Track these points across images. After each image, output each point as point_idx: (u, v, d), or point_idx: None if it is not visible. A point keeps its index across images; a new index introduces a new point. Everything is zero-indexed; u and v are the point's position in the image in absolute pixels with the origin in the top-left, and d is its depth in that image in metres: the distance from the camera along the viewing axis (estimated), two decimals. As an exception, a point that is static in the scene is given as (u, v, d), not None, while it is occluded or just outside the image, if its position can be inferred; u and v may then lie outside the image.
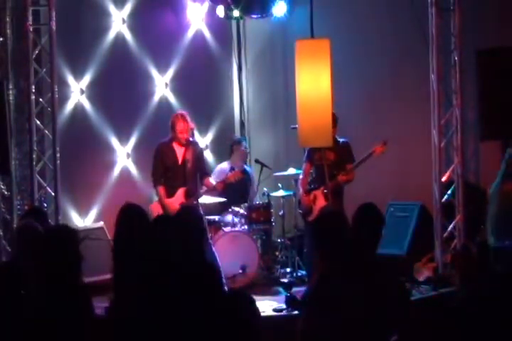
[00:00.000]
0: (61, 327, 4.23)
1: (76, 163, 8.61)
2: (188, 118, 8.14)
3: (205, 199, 8.44)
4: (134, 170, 9.33)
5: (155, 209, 7.98)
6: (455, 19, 8.19)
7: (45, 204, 8.21)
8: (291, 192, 8.92)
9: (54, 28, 8.01)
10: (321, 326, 4.55)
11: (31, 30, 8.04)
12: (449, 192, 8.23)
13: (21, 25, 8.07)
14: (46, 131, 8.14)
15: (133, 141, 9.33)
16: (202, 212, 7.49)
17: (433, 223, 8.28)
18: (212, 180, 8.30)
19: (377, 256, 4.87)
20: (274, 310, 7.16)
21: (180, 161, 8.15)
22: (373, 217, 4.90)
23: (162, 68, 9.70)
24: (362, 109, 9.59)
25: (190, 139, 8.19)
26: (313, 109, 7.21)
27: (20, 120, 8.22)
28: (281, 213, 8.89)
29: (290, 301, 7.05)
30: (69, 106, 8.78)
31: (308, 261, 8.21)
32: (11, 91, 8.12)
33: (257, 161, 9.32)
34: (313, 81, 7.19)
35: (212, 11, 10.03)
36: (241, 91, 10.56)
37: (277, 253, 9.06)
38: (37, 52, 8.13)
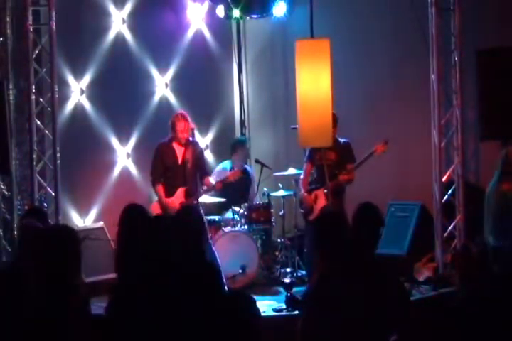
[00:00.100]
0: (61, 327, 4.23)
1: (76, 163, 8.61)
2: (188, 118, 8.15)
3: (205, 199, 8.44)
4: (134, 170, 9.33)
5: (155, 209, 7.99)
6: (455, 19, 8.20)
7: (45, 204, 8.21)
8: (291, 192, 8.92)
9: (54, 28, 8.01)
10: (321, 326, 4.55)
11: (31, 30, 8.04)
12: (449, 192, 8.24)
13: (21, 25, 8.07)
14: (46, 131, 8.14)
15: (133, 141, 9.32)
16: (202, 212, 7.49)
17: (433, 223, 8.29)
18: (212, 180, 8.30)
19: (376, 256, 4.87)
20: (274, 310, 7.17)
21: (180, 161, 8.15)
22: (371, 217, 4.90)
23: (162, 68, 9.69)
24: (362, 109, 9.59)
25: (190, 139, 8.20)
26: (314, 109, 7.20)
27: (20, 120, 8.22)
28: (281, 213, 8.89)
29: (290, 301, 7.05)
30: (69, 106, 8.78)
31: (309, 261, 8.21)
32: (11, 91, 8.12)
33: (257, 161, 9.32)
34: (313, 81, 7.18)
35: (212, 11, 10.04)
36: (241, 91, 10.56)
37: (277, 253, 9.05)
38: (37, 52, 8.13)
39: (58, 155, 8.04)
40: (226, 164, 9.22)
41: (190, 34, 10.10)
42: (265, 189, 8.95)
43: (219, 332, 4.09)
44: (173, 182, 8.13)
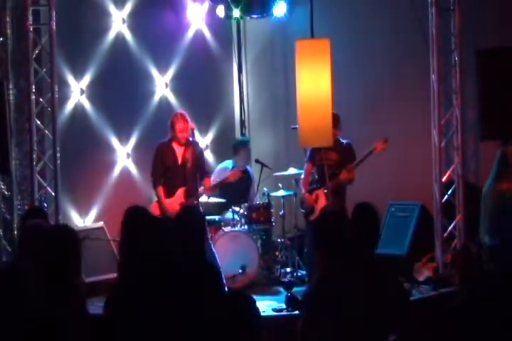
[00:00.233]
0: (61, 327, 4.23)
1: (76, 163, 8.61)
2: (188, 118, 8.14)
3: (205, 199, 8.43)
4: (134, 170, 9.33)
5: (154, 210, 7.98)
6: (455, 19, 8.20)
7: (45, 204, 8.21)
8: (291, 192, 8.92)
9: (54, 28, 8.01)
10: (321, 325, 4.55)
11: (31, 30, 8.04)
12: (449, 192, 8.24)
13: (21, 25, 8.07)
14: (46, 131, 8.14)
15: (133, 141, 9.32)
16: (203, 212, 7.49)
17: (433, 223, 8.29)
18: (212, 181, 8.32)
19: (376, 255, 4.87)
20: (274, 310, 7.17)
21: (180, 161, 8.14)
22: (370, 217, 4.90)
23: (162, 68, 9.69)
24: (362, 109, 9.59)
25: (190, 139, 8.19)
26: (314, 108, 7.20)
27: (20, 120, 8.22)
28: (281, 213, 8.89)
29: (290, 301, 7.05)
30: (69, 106, 8.78)
31: (309, 261, 8.21)
32: (11, 91, 8.12)
33: (257, 161, 9.31)
34: (314, 81, 7.19)
35: (212, 11, 10.04)
36: (241, 91, 10.55)
37: (277, 253, 9.05)
38: (37, 52, 8.13)
39: (58, 155, 8.04)
40: (228, 163, 9.21)
41: (190, 34, 10.09)
42: (265, 189, 8.95)
43: (219, 332, 4.09)
44: (173, 183, 8.13)
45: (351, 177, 8.12)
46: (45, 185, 8.14)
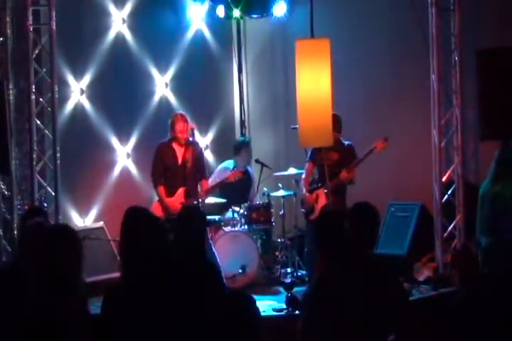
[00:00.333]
0: (61, 327, 4.23)
1: (76, 163, 8.61)
2: (188, 119, 8.16)
3: (205, 199, 8.43)
4: (134, 170, 9.33)
5: (155, 210, 7.98)
6: (455, 19, 8.20)
7: (45, 204, 8.21)
8: (291, 192, 8.91)
9: (54, 28, 8.00)
10: (321, 325, 4.55)
11: (31, 30, 8.03)
12: (449, 192, 8.24)
13: (21, 25, 8.07)
14: (46, 131, 8.14)
15: (133, 140, 9.32)
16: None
17: (433, 223, 8.29)
18: (211, 181, 8.34)
19: (376, 255, 4.87)
20: (274, 310, 7.16)
21: (180, 161, 8.15)
22: (368, 217, 4.89)
23: (162, 68, 9.69)
24: (362, 109, 9.59)
25: (190, 139, 8.20)
26: (314, 108, 7.20)
27: (20, 120, 8.21)
28: (281, 213, 8.89)
29: (290, 301, 7.05)
30: (69, 106, 8.77)
31: (309, 261, 8.21)
32: (11, 91, 8.11)
33: (257, 161, 9.31)
34: (314, 81, 7.18)
35: (212, 11, 10.03)
36: (241, 91, 10.56)
37: (277, 253, 9.05)
38: (37, 52, 8.13)
39: (58, 155, 8.04)
40: (229, 163, 9.20)
41: (190, 34, 10.10)
42: (265, 189, 8.95)
43: (219, 332, 4.09)
44: (173, 183, 8.14)
45: (351, 176, 8.12)
46: (45, 185, 8.14)
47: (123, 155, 9.26)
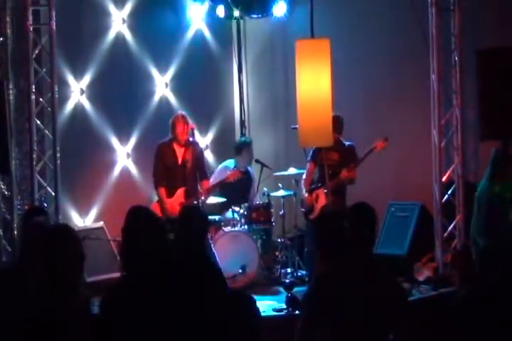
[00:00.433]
0: (61, 327, 4.23)
1: (76, 163, 8.61)
2: (188, 120, 8.17)
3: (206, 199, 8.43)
4: (134, 170, 9.33)
5: (155, 210, 7.98)
6: (455, 19, 8.20)
7: (45, 204, 8.21)
8: (291, 192, 8.91)
9: (54, 28, 8.00)
10: (321, 325, 4.55)
11: (31, 30, 8.03)
12: (449, 192, 8.24)
13: (21, 25, 8.07)
14: (46, 131, 8.14)
15: (133, 140, 9.33)
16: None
17: (433, 223, 8.29)
18: (211, 180, 8.33)
19: (375, 255, 4.87)
20: (274, 310, 7.16)
21: (180, 161, 8.16)
22: (367, 217, 4.89)
23: (162, 68, 9.70)
24: (362, 109, 9.59)
25: (191, 139, 8.21)
26: (314, 108, 7.20)
27: (20, 120, 8.21)
28: (281, 213, 8.89)
29: (290, 301, 7.05)
30: (69, 106, 8.78)
31: (309, 261, 8.21)
32: (11, 91, 8.11)
33: (257, 161, 9.31)
34: (314, 81, 7.18)
35: (212, 11, 10.04)
36: (241, 91, 10.56)
37: (277, 253, 9.04)
38: (37, 52, 8.13)
39: (58, 155, 8.04)
40: (229, 163, 9.19)
41: (190, 34, 10.10)
42: (265, 189, 8.94)
43: (219, 332, 4.09)
44: (173, 183, 8.15)
45: (352, 176, 8.13)
46: (45, 185, 8.14)
47: (123, 155, 9.27)
